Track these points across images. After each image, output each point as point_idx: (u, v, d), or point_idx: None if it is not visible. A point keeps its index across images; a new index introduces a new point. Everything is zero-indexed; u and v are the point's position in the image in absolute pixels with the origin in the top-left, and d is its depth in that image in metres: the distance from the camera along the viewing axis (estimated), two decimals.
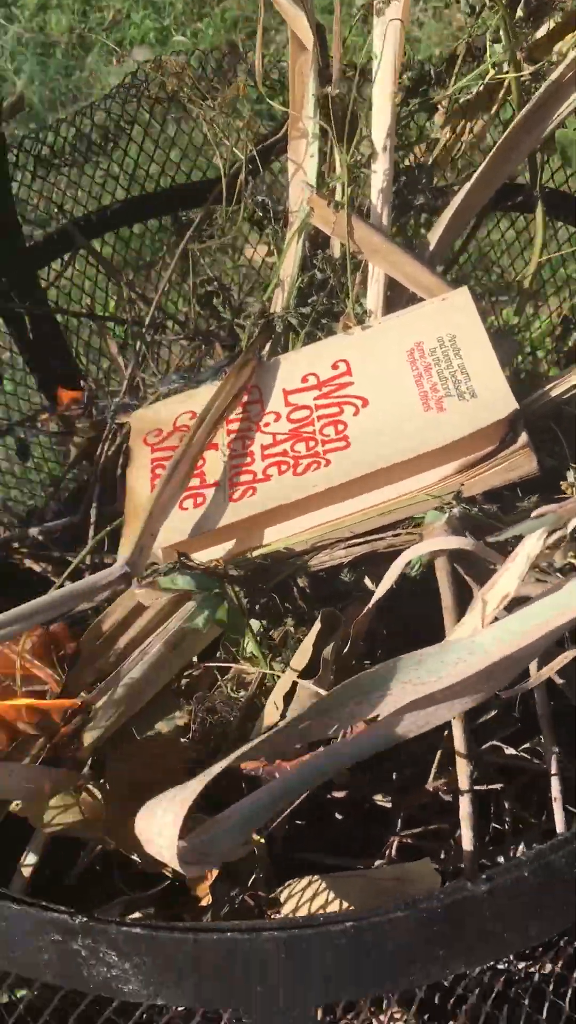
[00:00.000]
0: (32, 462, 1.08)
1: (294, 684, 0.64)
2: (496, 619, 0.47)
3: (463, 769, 0.53)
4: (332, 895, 0.59)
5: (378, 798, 0.72)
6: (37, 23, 2.40)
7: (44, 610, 0.64)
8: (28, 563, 0.93)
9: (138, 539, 0.67)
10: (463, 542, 0.54)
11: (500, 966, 0.53)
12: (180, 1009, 0.48)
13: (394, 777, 0.71)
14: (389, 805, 0.71)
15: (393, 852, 0.67)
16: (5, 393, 1.02)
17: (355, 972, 0.44)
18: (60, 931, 0.46)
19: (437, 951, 0.43)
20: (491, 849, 0.67)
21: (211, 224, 0.93)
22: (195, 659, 0.76)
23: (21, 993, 0.71)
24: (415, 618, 0.75)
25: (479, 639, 0.45)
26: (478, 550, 0.53)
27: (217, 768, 0.43)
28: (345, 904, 0.58)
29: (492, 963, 0.48)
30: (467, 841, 0.52)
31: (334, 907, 0.56)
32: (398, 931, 0.43)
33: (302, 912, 0.57)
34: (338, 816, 0.73)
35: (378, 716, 0.44)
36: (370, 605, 0.61)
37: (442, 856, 0.68)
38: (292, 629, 0.64)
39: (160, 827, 0.42)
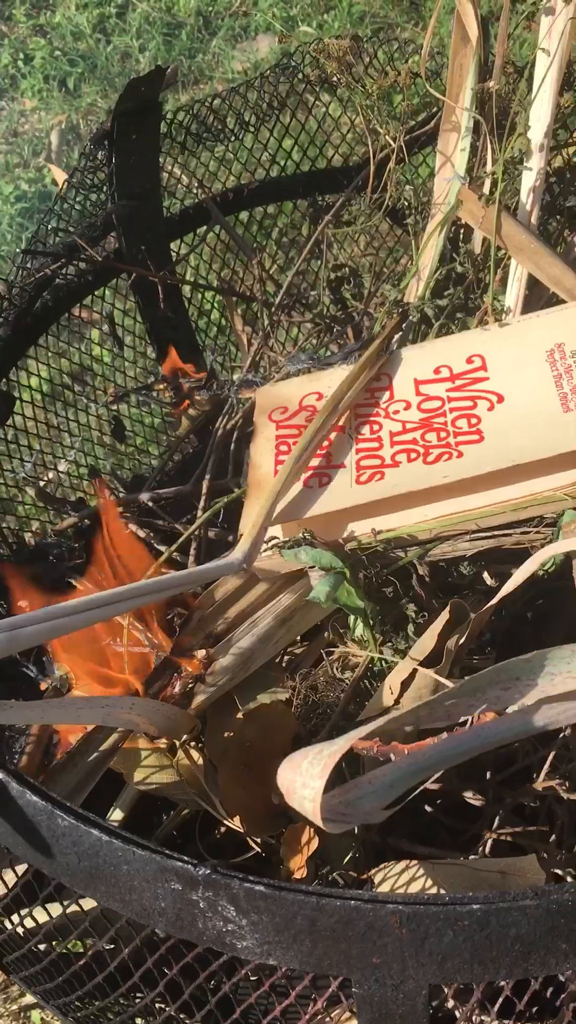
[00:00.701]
0: (143, 430, 1.09)
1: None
2: None
3: None
4: (430, 882, 0.59)
5: (468, 795, 0.72)
6: (165, 3, 2.43)
7: (162, 589, 0.65)
8: (132, 528, 0.94)
9: (257, 530, 0.67)
10: None
11: None
12: (286, 971, 0.48)
13: (487, 776, 0.71)
14: (479, 803, 0.71)
15: (487, 850, 0.66)
16: (125, 360, 1.04)
17: (475, 955, 0.44)
18: (181, 880, 0.47)
19: (561, 944, 0.43)
20: None
21: (348, 211, 0.93)
22: (298, 638, 0.76)
23: (77, 947, 0.72)
24: (520, 618, 0.75)
25: None
26: None
27: (366, 729, 0.43)
28: (443, 892, 0.58)
29: None
30: None
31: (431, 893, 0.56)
32: (525, 919, 0.43)
33: None
34: (427, 808, 0.73)
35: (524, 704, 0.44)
36: (495, 600, 0.61)
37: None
38: (413, 615, 0.64)
39: (306, 779, 0.42)
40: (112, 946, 0.59)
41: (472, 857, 0.66)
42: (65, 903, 0.53)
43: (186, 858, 0.47)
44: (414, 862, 0.60)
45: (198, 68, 2.29)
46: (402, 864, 0.61)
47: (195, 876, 0.46)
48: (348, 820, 0.43)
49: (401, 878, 0.61)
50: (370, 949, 0.45)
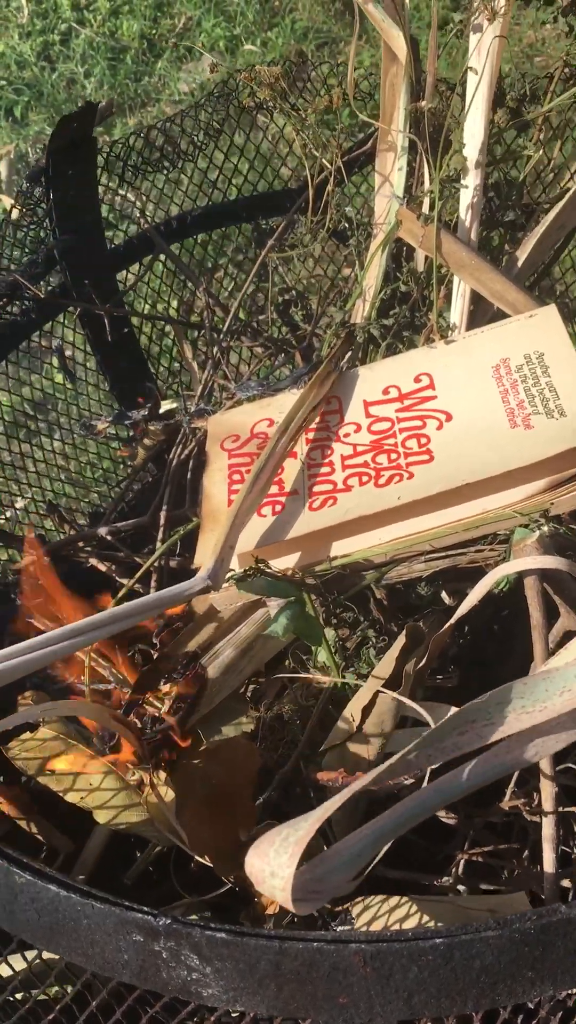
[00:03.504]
0: (98, 460, 1.09)
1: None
2: None
3: (547, 790, 0.53)
4: (414, 917, 0.58)
5: (441, 815, 0.71)
6: (109, 28, 2.43)
7: (127, 616, 0.64)
8: (93, 562, 0.93)
9: (219, 551, 0.67)
10: (559, 562, 0.54)
11: None
12: (254, 1016, 0.48)
13: None
14: (452, 823, 0.70)
15: (460, 870, 0.66)
16: (78, 393, 1.03)
17: (441, 989, 0.43)
18: (142, 932, 0.46)
19: (526, 972, 0.43)
20: (558, 873, 0.66)
21: (292, 233, 0.93)
22: (263, 667, 0.76)
23: (54, 990, 0.71)
24: (484, 633, 0.75)
25: None
26: (574, 572, 0.53)
27: (332, 806, 0.42)
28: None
29: None
30: (549, 863, 0.52)
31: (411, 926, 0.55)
32: (488, 950, 0.42)
33: (376, 928, 0.57)
34: None
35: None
36: (452, 620, 0.61)
37: (505, 876, 0.67)
38: (373, 639, 0.64)
39: (275, 868, 0.41)
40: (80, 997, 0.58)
41: (445, 879, 0.65)
42: (29, 958, 0.53)
43: (146, 909, 0.46)
44: (402, 897, 0.59)
45: (144, 91, 2.29)
46: (380, 897, 0.60)
47: (156, 927, 0.46)
48: (320, 898, 0.43)
49: (381, 910, 0.60)
50: (336, 989, 0.44)
